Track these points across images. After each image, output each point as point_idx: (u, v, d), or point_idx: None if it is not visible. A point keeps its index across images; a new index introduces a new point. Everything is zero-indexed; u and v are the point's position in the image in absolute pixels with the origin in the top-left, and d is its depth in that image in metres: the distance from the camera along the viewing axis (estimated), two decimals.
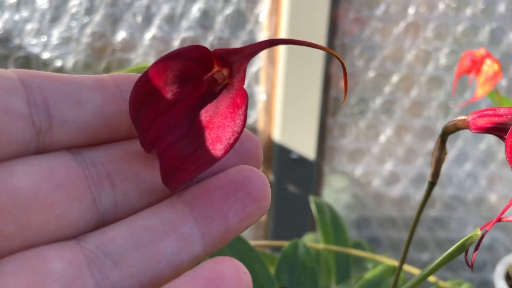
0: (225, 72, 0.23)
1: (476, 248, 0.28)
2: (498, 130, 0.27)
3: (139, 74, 0.23)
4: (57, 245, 0.21)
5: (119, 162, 0.23)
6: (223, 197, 0.23)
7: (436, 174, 0.33)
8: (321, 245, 0.52)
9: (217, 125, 0.23)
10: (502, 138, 0.27)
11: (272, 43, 0.23)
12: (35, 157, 0.22)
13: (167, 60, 0.22)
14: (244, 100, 0.22)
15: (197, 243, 0.22)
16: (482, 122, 0.27)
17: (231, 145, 0.22)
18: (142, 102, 0.22)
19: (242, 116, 0.22)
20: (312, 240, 0.59)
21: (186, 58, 0.23)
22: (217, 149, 0.22)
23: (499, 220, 0.29)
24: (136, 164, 0.24)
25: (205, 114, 0.23)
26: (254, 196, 0.23)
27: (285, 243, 0.51)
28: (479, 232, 0.27)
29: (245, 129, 0.24)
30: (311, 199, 0.55)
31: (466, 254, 0.30)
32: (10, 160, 0.21)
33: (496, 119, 0.27)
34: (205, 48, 0.23)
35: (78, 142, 0.23)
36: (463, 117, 0.29)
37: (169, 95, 0.23)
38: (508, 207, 0.28)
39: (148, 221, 0.22)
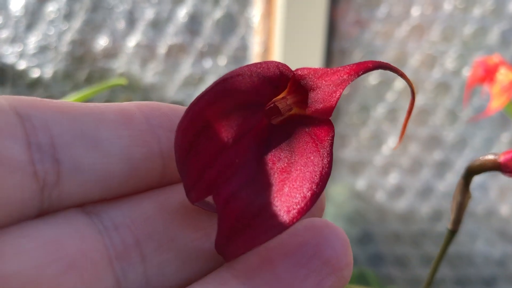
0: (290, 99, 0.18)
1: None
2: None
3: (175, 105, 0.18)
4: None
5: (151, 223, 0.17)
6: (291, 268, 0.17)
7: (457, 221, 0.27)
8: None
9: (291, 172, 0.17)
10: None
11: (377, 65, 0.18)
12: (35, 223, 0.16)
13: (241, 78, 0.17)
14: (328, 139, 0.17)
15: None
16: None
17: (312, 203, 0.16)
18: (195, 138, 0.17)
19: (326, 161, 0.17)
20: None
21: (263, 79, 0.17)
22: (292, 208, 0.16)
23: None
24: (173, 223, 0.18)
25: (273, 155, 0.18)
26: (333, 264, 0.17)
27: None
28: None
29: None
30: None
31: None
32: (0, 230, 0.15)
33: None
34: (286, 67, 0.18)
35: (95, 197, 0.17)
36: (492, 157, 0.23)
37: (234, 124, 0.17)
38: None
39: None
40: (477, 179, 0.92)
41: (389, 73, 0.77)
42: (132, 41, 0.77)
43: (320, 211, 0.19)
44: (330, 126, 0.17)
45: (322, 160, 0.17)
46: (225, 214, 0.17)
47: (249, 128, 0.18)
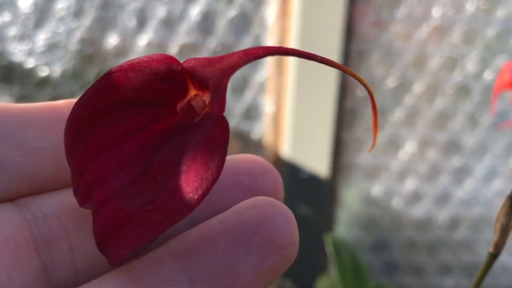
0: (206, 97, 0.17)
1: None
2: None
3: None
4: None
5: (81, 214, 0.17)
6: (231, 247, 0.16)
7: (500, 244, 0.24)
8: None
9: (181, 170, 0.15)
10: None
11: (267, 51, 0.16)
12: None
13: (120, 73, 0.16)
14: (223, 134, 0.16)
15: None
16: None
17: (200, 199, 0.15)
18: (81, 130, 0.16)
19: (218, 157, 0.15)
20: (327, 286, 0.50)
21: (147, 73, 0.16)
22: (177, 204, 0.15)
23: None
24: None
25: (167, 155, 0.16)
26: (277, 242, 0.16)
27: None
28: None
29: (258, 158, 0.19)
30: (327, 239, 0.47)
31: None
32: None
33: None
34: (173, 59, 0.16)
35: (25, 192, 0.17)
36: None
37: (120, 122, 0.16)
38: None
39: None
40: (496, 187, 0.89)
41: (408, 75, 0.73)
42: (143, 40, 0.75)
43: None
44: (224, 122, 0.16)
45: (215, 156, 0.15)
46: (98, 218, 0.16)
47: (143, 125, 0.16)
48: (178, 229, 0.18)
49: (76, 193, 0.16)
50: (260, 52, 0.16)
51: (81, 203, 0.16)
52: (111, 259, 0.16)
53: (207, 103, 0.17)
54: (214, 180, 0.15)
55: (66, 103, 0.19)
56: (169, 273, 0.16)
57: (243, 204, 0.17)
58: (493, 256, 0.26)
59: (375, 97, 0.19)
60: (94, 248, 0.17)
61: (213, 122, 0.16)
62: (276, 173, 0.19)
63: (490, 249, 0.26)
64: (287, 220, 0.16)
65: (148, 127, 0.17)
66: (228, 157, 0.19)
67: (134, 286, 0.16)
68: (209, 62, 0.16)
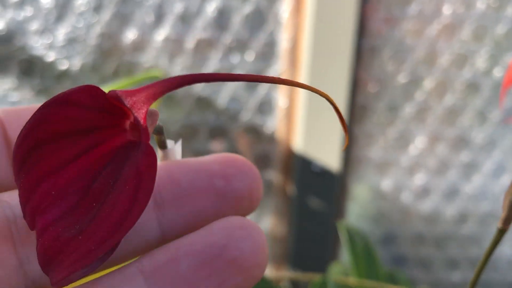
0: (134, 124, 0.18)
1: None
2: None
3: (36, 108, 0.17)
4: None
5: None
6: (195, 268, 0.17)
7: (508, 220, 0.26)
8: (352, 280, 0.45)
9: (111, 200, 0.16)
10: None
11: (185, 81, 0.16)
12: None
13: (51, 108, 0.16)
14: (151, 163, 0.16)
15: None
16: None
17: (126, 230, 0.16)
18: (25, 158, 0.16)
19: (144, 189, 0.15)
20: (339, 272, 0.52)
21: (73, 105, 0.16)
22: (104, 235, 0.16)
23: None
24: None
25: (101, 183, 0.17)
26: (240, 264, 0.17)
27: (309, 276, 0.45)
28: None
29: (235, 158, 0.19)
30: (341, 226, 0.49)
31: None
32: None
33: None
34: (97, 89, 0.16)
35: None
36: None
37: (58, 152, 0.17)
38: None
39: None
40: (504, 182, 0.90)
41: (419, 71, 0.75)
42: (160, 35, 0.77)
43: (250, 208, 0.19)
44: (149, 151, 0.16)
45: (138, 194, 0.15)
46: (39, 244, 0.16)
47: (82, 153, 0.17)
48: (151, 238, 0.18)
49: (25, 218, 0.17)
50: (175, 83, 0.16)
51: (31, 228, 0.17)
52: (52, 281, 0.17)
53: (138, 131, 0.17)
54: (141, 211, 0.16)
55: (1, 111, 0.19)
56: None
57: (214, 225, 0.18)
58: (502, 231, 0.27)
59: (341, 111, 0.20)
60: None
61: (141, 151, 0.16)
62: (254, 172, 0.19)
63: (499, 224, 0.27)
64: (254, 243, 0.17)
65: (86, 155, 0.17)
66: (204, 158, 0.20)
67: None
68: (127, 93, 0.16)
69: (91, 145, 0.17)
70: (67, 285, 0.17)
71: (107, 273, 0.18)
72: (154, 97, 0.16)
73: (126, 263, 0.18)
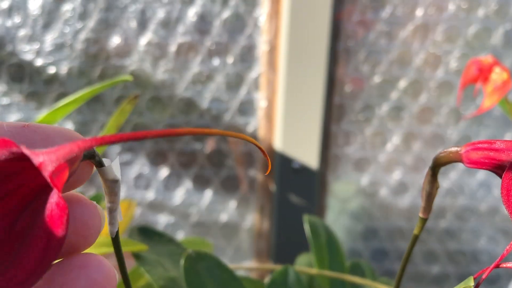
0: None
1: None
2: (494, 166, 0.23)
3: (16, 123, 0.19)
4: None
5: None
6: None
7: (427, 209, 0.29)
8: (314, 271, 0.48)
9: (28, 243, 0.17)
10: (498, 174, 0.23)
11: (84, 146, 0.17)
12: None
13: None
14: (63, 213, 0.17)
15: None
16: (476, 156, 0.24)
17: (38, 277, 0.17)
18: None
19: (56, 239, 0.17)
20: (306, 263, 0.55)
21: None
22: (19, 279, 0.17)
23: (497, 266, 0.25)
24: None
25: (22, 224, 0.18)
26: None
27: (277, 267, 0.48)
28: (472, 284, 0.24)
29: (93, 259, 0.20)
30: (305, 218, 0.52)
31: None
32: None
33: (491, 154, 0.23)
34: (9, 142, 0.17)
35: None
36: (455, 149, 0.25)
37: None
38: (507, 251, 0.25)
39: None
40: (480, 178, 0.93)
41: (393, 72, 0.78)
42: (144, 40, 0.80)
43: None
44: (61, 202, 0.17)
45: (52, 242, 0.17)
46: None
47: (4, 195, 0.18)
48: None
49: None
50: (87, 145, 0.17)
51: None
52: None
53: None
54: (52, 259, 0.17)
55: None
56: None
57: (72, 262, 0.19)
58: (424, 220, 0.31)
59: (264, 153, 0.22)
60: None
61: (54, 200, 0.17)
62: (107, 268, 0.21)
63: (420, 214, 0.30)
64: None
65: (9, 197, 0.19)
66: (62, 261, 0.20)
67: None
68: (37, 153, 0.17)
69: (14, 188, 0.19)
70: None
71: None
72: (64, 158, 0.17)
73: None
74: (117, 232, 0.24)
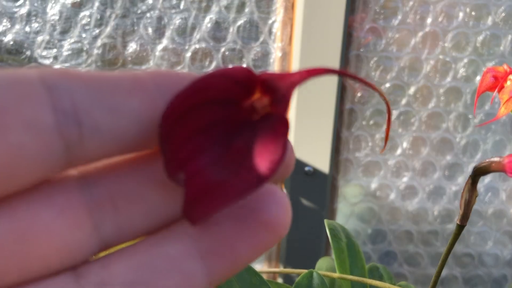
0: (266, 100, 0.21)
1: None
2: None
3: (180, 72, 0.21)
4: (54, 282, 0.19)
5: (125, 182, 0.21)
6: (232, 227, 0.20)
7: (465, 217, 0.31)
8: (336, 274, 0.50)
9: (253, 154, 0.20)
10: None
11: (322, 72, 0.20)
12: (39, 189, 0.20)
13: (211, 78, 0.20)
14: (285, 130, 0.20)
15: (201, 280, 0.20)
16: None
17: (269, 175, 0.20)
18: (179, 117, 0.20)
19: (281, 145, 0.20)
20: (327, 266, 0.57)
21: (230, 80, 0.20)
22: (252, 179, 0.20)
23: None
24: (145, 184, 0.21)
25: (242, 142, 0.21)
26: (267, 224, 0.20)
27: (299, 271, 0.49)
28: None
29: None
30: (326, 223, 0.53)
31: None
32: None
33: None
34: (251, 71, 0.20)
35: (112, 152, 0.20)
36: (497, 159, 0.27)
37: (207, 115, 0.21)
38: None
39: (150, 256, 0.20)
40: (487, 182, 0.95)
41: (403, 78, 0.80)
42: (160, 46, 0.81)
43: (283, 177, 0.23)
44: (286, 122, 0.20)
45: (278, 147, 0.19)
46: (190, 185, 0.20)
47: (223, 118, 0.21)
48: None
49: (168, 165, 0.20)
50: (321, 71, 0.20)
51: (171, 174, 0.20)
52: (194, 219, 0.20)
53: (267, 104, 0.21)
54: (280, 161, 0.20)
55: (149, 74, 0.20)
56: (184, 248, 0.20)
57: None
58: (461, 227, 0.32)
59: (389, 106, 0.24)
60: (133, 211, 0.21)
61: (278, 119, 0.20)
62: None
63: (457, 221, 0.32)
64: (279, 206, 0.21)
65: (227, 120, 0.21)
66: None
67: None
68: (280, 76, 0.20)
69: (230, 113, 0.21)
70: (202, 221, 0.20)
71: (157, 233, 0.21)
72: (297, 84, 0.19)
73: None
74: None
